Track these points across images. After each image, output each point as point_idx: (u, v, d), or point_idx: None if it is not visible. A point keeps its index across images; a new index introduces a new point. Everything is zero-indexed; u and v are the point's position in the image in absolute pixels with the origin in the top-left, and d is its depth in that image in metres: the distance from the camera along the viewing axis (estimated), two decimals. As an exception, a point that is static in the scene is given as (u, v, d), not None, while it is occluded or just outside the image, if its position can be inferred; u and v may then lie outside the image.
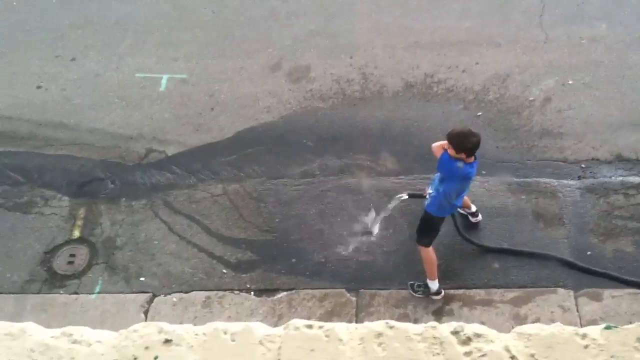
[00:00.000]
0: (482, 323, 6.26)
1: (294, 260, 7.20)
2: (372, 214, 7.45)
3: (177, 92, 9.04)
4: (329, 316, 6.65)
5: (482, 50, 9.14)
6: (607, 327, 2.78)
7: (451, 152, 5.90)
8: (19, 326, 3.19)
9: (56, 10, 10.29)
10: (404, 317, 6.55)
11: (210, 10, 10.18)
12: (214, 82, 9.13)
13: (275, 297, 6.91)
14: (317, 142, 8.36)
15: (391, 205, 7.15)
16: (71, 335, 3.21)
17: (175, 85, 9.12)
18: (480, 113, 8.36)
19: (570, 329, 2.80)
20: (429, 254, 6.54)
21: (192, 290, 7.02)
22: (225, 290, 7.01)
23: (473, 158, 5.94)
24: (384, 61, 9.20)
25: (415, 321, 6.47)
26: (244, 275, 7.12)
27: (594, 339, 2.72)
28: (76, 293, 7.03)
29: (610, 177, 7.59)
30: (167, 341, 3.08)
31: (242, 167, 8.13)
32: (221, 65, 9.37)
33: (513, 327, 3.17)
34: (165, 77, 9.23)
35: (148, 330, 3.19)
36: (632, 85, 8.50)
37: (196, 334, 3.09)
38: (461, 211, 7.14)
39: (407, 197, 6.84)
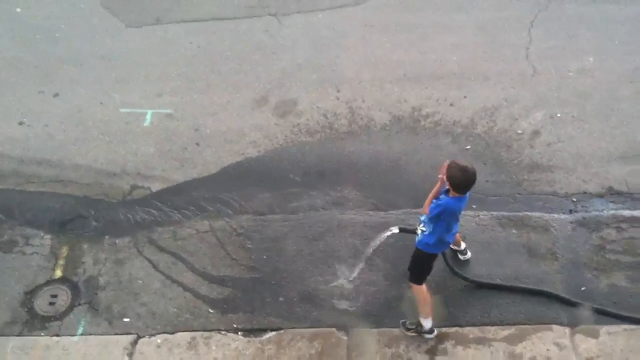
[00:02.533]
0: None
1: (281, 298, 7.03)
2: (363, 249, 7.32)
3: (162, 127, 8.93)
4: (319, 357, 6.47)
5: (470, 84, 9.12)
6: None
7: (440, 187, 5.87)
8: None
9: (42, 45, 10.19)
10: (396, 357, 6.39)
11: (196, 45, 10.13)
12: (199, 117, 9.03)
13: (264, 338, 6.72)
14: (304, 177, 8.26)
15: (382, 239, 7.03)
16: None
17: (160, 120, 9.01)
18: (469, 147, 8.30)
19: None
20: (422, 291, 6.40)
21: (178, 331, 6.81)
22: (211, 330, 6.81)
23: (463, 194, 5.84)
24: (371, 95, 9.16)
25: (408, 361, 6.32)
26: (230, 314, 6.93)
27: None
28: (58, 335, 6.80)
29: (602, 211, 7.52)
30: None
31: (228, 203, 7.99)
32: (207, 99, 9.28)
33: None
34: (150, 112, 9.12)
35: None
36: (621, 117, 8.49)
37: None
38: (452, 247, 7.01)
39: (397, 231, 6.73)
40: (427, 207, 5.98)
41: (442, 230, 6.05)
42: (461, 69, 9.37)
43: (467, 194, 5.90)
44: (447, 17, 10.19)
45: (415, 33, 9.97)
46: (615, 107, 8.62)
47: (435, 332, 6.49)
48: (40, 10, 10.91)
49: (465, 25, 10.03)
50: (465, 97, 8.97)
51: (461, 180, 5.70)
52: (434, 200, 5.96)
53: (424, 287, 6.38)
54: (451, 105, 8.87)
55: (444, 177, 5.80)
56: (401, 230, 6.72)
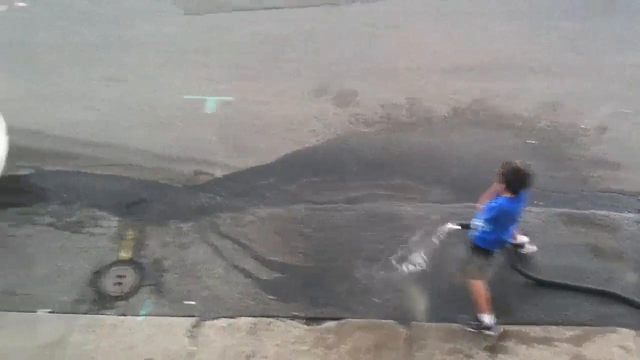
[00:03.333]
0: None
1: (341, 288, 7.08)
2: (422, 242, 7.32)
3: (224, 114, 9.06)
4: (378, 348, 6.51)
5: (534, 76, 9.03)
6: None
7: (499, 187, 5.87)
8: None
9: (108, 32, 10.39)
10: (456, 352, 6.38)
11: (257, 33, 10.23)
12: (259, 105, 9.13)
13: (323, 326, 6.77)
14: (362, 167, 8.30)
15: (441, 234, 7.03)
16: None
17: (221, 108, 9.14)
18: (532, 141, 8.21)
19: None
20: (478, 286, 6.39)
21: (239, 316, 6.91)
22: (272, 317, 6.90)
23: (517, 194, 5.86)
24: (431, 86, 9.13)
25: (469, 357, 6.31)
26: (291, 302, 7.00)
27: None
28: (124, 314, 6.96)
29: (671, 211, 7.38)
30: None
31: (287, 191, 8.07)
32: (267, 88, 9.38)
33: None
34: (212, 99, 9.24)
35: None
36: (690, 114, 8.31)
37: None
38: (512, 242, 6.97)
39: (458, 227, 6.72)
40: (480, 204, 5.97)
41: (498, 230, 6.06)
42: (525, 60, 9.27)
43: (524, 195, 5.86)
44: (508, 6, 10.06)
45: (477, 22, 9.89)
46: (684, 104, 8.45)
47: (496, 328, 6.46)
48: (105, -4, 11.15)
49: (529, 15, 9.87)
50: (528, 90, 8.86)
51: (514, 181, 5.74)
52: (488, 202, 5.96)
53: (480, 282, 6.37)
54: (513, 97, 8.78)
55: (502, 180, 5.83)
56: (462, 226, 6.72)
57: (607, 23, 9.41)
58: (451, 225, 6.75)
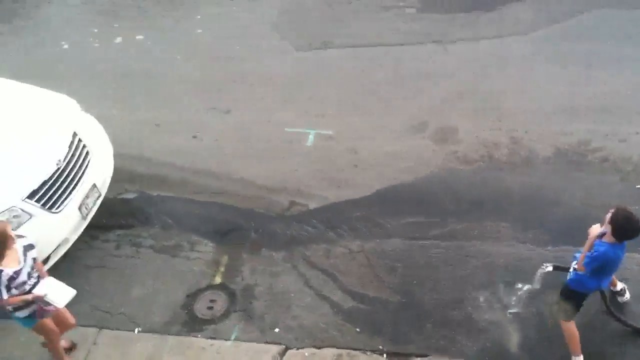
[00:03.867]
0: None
1: (428, 325, 6.99)
2: (517, 285, 7.12)
3: (322, 147, 9.21)
4: (463, 389, 6.36)
5: (644, 120, 8.65)
6: None
7: (607, 233, 5.65)
8: None
9: (217, 65, 10.87)
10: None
11: (360, 69, 10.39)
12: (358, 139, 9.22)
13: (409, 363, 6.71)
14: (459, 205, 8.20)
15: (536, 277, 6.83)
16: None
17: (321, 141, 9.29)
18: (639, 186, 7.84)
19: None
20: (570, 327, 6.19)
21: (325, 347, 6.95)
22: (356, 349, 6.89)
23: (621, 241, 5.64)
24: (534, 126, 8.94)
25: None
26: (376, 336, 6.97)
27: None
28: (213, 338, 7.16)
29: None
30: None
31: (381, 225, 8.08)
32: (366, 123, 9.47)
33: None
34: (312, 132, 9.44)
35: None
36: None
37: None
38: (612, 288, 6.67)
39: (551, 268, 6.51)
40: (581, 264, 5.80)
41: (598, 277, 5.89)
42: (633, 103, 8.90)
43: (625, 244, 5.63)
44: (616, 48, 9.74)
45: (583, 64, 9.62)
46: None
47: None
48: (218, 31, 11.69)
49: (637, 56, 9.52)
50: (637, 133, 8.51)
51: (625, 229, 5.53)
52: (588, 254, 5.76)
53: (572, 323, 6.16)
54: (621, 141, 8.45)
55: (607, 223, 5.60)
56: (555, 268, 6.51)
57: None
58: (546, 268, 6.56)
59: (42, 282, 6.05)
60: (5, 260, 5.79)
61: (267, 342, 7.06)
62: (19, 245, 5.95)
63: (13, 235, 5.87)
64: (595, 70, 9.50)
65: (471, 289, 7.25)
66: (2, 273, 5.75)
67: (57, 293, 6.03)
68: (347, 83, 10.19)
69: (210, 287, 7.63)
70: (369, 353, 6.84)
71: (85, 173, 7.65)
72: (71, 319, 6.52)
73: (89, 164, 7.76)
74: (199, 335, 7.17)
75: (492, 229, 7.86)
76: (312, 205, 8.47)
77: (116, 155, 8.38)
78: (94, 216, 7.82)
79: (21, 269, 5.89)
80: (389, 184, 8.59)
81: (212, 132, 9.65)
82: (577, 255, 5.99)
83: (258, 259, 7.88)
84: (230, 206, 8.55)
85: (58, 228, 7.25)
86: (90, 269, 7.15)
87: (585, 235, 5.89)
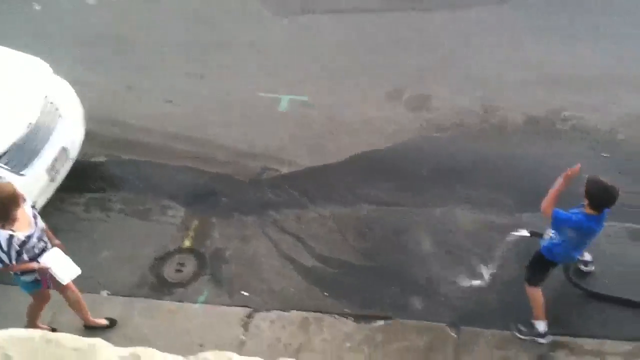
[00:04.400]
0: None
1: (395, 289, 7.05)
2: (487, 250, 7.17)
3: (298, 113, 9.18)
4: (426, 350, 6.44)
5: (620, 91, 8.66)
6: None
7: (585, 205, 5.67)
8: (88, 342, 3.24)
9: (194, 29, 10.75)
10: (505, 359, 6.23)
11: (338, 36, 10.31)
12: (334, 106, 9.19)
13: (374, 325, 6.76)
14: (432, 172, 8.22)
15: (508, 240, 6.88)
16: (139, 357, 3.21)
17: (296, 107, 9.26)
18: (606, 154, 7.87)
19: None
20: (536, 292, 6.25)
21: (292, 309, 7.01)
22: (324, 312, 6.94)
23: (599, 212, 5.63)
24: (509, 95, 8.93)
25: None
26: (343, 299, 7.03)
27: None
28: (181, 301, 7.19)
29: None
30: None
31: (353, 191, 8.10)
32: (343, 89, 9.43)
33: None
34: (287, 98, 9.39)
35: (217, 358, 3.15)
36: None
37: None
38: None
39: (527, 234, 6.58)
40: (548, 207, 5.73)
41: (570, 246, 5.94)
42: (611, 74, 8.90)
43: (604, 216, 5.64)
44: (596, 20, 9.71)
45: (561, 35, 9.58)
46: None
47: (548, 337, 6.27)
48: (196, -3, 11.56)
49: (615, 28, 9.50)
50: (612, 103, 8.52)
51: (603, 199, 5.55)
52: (570, 212, 5.75)
53: (538, 289, 6.22)
54: (593, 110, 8.47)
55: (585, 195, 5.63)
56: (532, 234, 6.57)
57: None
58: (521, 232, 6.61)
59: (49, 252, 5.95)
60: (17, 224, 5.65)
61: (235, 305, 7.11)
62: (27, 207, 5.86)
63: (24, 195, 5.75)
64: (572, 40, 9.47)
65: (441, 254, 7.31)
66: (14, 238, 5.62)
67: (62, 268, 5.95)
68: (325, 49, 10.12)
69: (180, 250, 7.65)
70: (335, 316, 6.89)
71: (55, 136, 7.61)
72: (76, 292, 6.48)
73: (60, 127, 7.71)
74: (168, 299, 7.21)
75: (464, 196, 7.89)
76: (285, 170, 8.47)
77: (88, 119, 8.31)
78: (64, 180, 7.79)
79: (32, 233, 5.79)
80: (363, 151, 8.59)
81: (186, 97, 9.59)
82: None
83: (228, 224, 7.89)
84: (202, 171, 8.54)
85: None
86: (60, 232, 7.07)
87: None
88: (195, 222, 7.92)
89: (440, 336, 6.54)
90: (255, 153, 8.69)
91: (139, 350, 3.25)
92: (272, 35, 10.53)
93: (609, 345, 6.21)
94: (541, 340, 6.30)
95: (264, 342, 6.74)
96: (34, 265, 5.84)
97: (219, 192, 8.26)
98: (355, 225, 7.73)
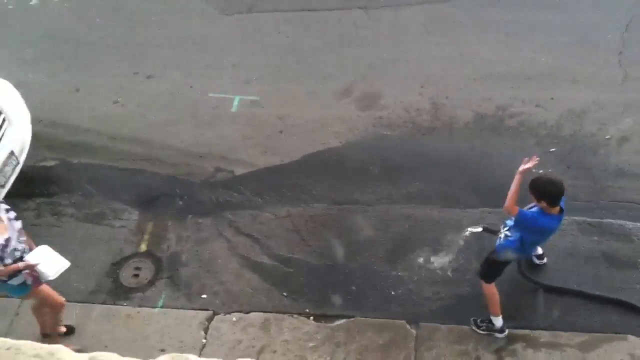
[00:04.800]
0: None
1: (354, 287, 7.14)
2: (441, 247, 7.34)
3: (248, 113, 9.17)
4: (387, 347, 6.55)
5: (559, 86, 8.96)
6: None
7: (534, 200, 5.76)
8: (48, 349, 3.20)
9: (139, 29, 10.60)
10: (464, 354, 6.40)
11: (285, 35, 10.33)
12: (284, 105, 9.22)
13: (334, 324, 6.85)
14: (383, 170, 8.33)
15: (463, 236, 7.05)
16: None
17: (246, 107, 9.25)
18: (553, 149, 8.17)
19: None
20: (491, 289, 6.39)
21: (252, 311, 7.03)
22: (284, 313, 6.99)
23: (558, 210, 5.75)
24: (456, 92, 9.13)
25: (476, 359, 6.33)
26: (303, 299, 7.09)
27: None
28: (139, 306, 7.12)
29: (689, 223, 7.28)
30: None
31: (307, 191, 8.15)
32: (293, 88, 9.47)
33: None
34: (237, 98, 9.38)
35: None
36: None
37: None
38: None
39: (480, 230, 6.74)
40: (512, 206, 5.82)
41: (527, 244, 6.05)
42: (550, 70, 9.21)
43: (562, 216, 5.82)
44: (537, 16, 10.02)
45: (504, 31, 9.85)
46: None
47: (506, 332, 6.47)
48: (139, -6, 11.38)
49: (557, 25, 9.84)
50: (552, 98, 8.82)
51: (555, 191, 5.61)
52: (531, 212, 5.82)
53: (493, 285, 6.37)
54: (537, 106, 8.75)
55: (539, 198, 5.69)
56: (485, 230, 6.73)
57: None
58: (475, 229, 6.78)
59: (36, 249, 5.80)
60: None
61: (194, 309, 7.09)
62: (1, 211, 5.69)
63: None
64: (513, 37, 9.75)
65: (395, 251, 7.42)
66: None
67: (50, 263, 5.80)
68: (273, 48, 10.13)
69: (136, 255, 7.57)
70: (295, 316, 6.95)
71: (2, 141, 7.42)
72: (59, 298, 6.34)
73: (6, 131, 7.52)
74: (125, 304, 7.14)
75: (416, 193, 8.03)
76: (238, 171, 8.46)
77: (35, 122, 8.14)
78: (13, 184, 7.60)
79: (10, 236, 5.64)
80: (315, 150, 8.64)
81: (134, 97, 9.47)
82: (508, 222, 6.14)
83: (184, 226, 7.85)
84: (154, 173, 8.46)
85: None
86: (10, 238, 6.93)
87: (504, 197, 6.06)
88: (150, 226, 7.85)
89: (401, 333, 6.67)
90: (207, 154, 8.65)
91: (99, 355, 3.23)
92: (219, 34, 10.48)
93: (564, 336, 6.44)
94: (499, 335, 6.47)
95: (225, 345, 6.74)
96: (20, 265, 5.70)
97: (173, 194, 8.21)
98: (311, 224, 7.79)
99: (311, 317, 6.93)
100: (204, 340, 6.79)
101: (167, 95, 9.49)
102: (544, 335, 6.47)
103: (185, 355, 3.25)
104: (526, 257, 6.51)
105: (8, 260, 5.64)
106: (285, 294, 7.17)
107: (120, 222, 7.87)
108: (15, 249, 5.71)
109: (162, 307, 7.11)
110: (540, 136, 8.38)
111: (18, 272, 5.77)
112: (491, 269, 6.34)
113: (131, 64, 9.99)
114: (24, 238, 5.89)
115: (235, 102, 9.31)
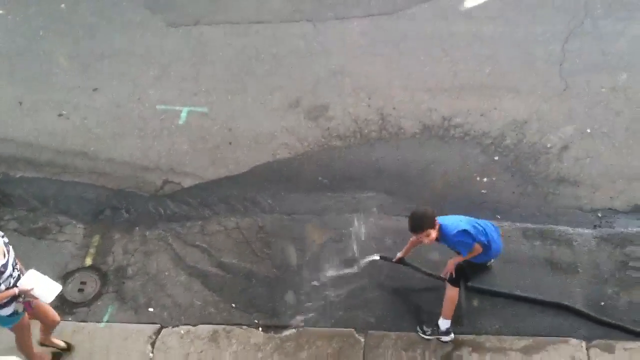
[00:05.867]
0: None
1: (303, 297, 7.16)
2: (388, 252, 7.40)
3: (197, 125, 9.13)
4: (337, 356, 6.58)
5: (502, 96, 9.14)
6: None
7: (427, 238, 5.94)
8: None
9: (84, 41, 10.48)
10: (412, 360, 6.47)
11: (233, 47, 10.32)
12: (233, 117, 9.21)
13: (283, 334, 6.86)
14: (332, 181, 8.38)
15: (362, 263, 7.37)
16: None
17: (194, 119, 9.21)
18: (496, 158, 8.34)
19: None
20: (455, 293, 6.44)
21: (200, 324, 6.99)
22: (233, 324, 6.97)
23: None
24: (402, 103, 9.24)
25: (425, 366, 6.41)
26: (252, 310, 7.09)
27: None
28: (84, 321, 7.02)
29: (627, 228, 7.49)
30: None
31: (256, 202, 8.15)
32: (241, 100, 9.46)
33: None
34: (185, 110, 9.33)
35: None
36: (651, 136, 8.45)
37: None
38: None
39: (378, 258, 7.15)
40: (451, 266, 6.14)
41: (488, 246, 6.20)
42: (493, 81, 9.39)
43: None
44: (480, 29, 10.22)
45: (448, 43, 10.02)
46: (646, 124, 8.59)
47: (452, 334, 6.56)
48: (83, 7, 11.21)
49: (499, 37, 10.05)
50: (495, 108, 9.00)
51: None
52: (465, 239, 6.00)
53: (456, 290, 6.41)
54: (481, 116, 8.91)
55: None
56: (382, 258, 7.13)
57: (590, 45, 9.58)
58: (371, 257, 7.25)
59: (27, 274, 5.66)
60: None
61: (141, 322, 7.02)
62: None
63: None
64: (457, 49, 9.91)
65: (344, 261, 7.47)
66: None
67: (44, 287, 5.68)
68: (221, 60, 10.11)
69: (81, 269, 7.49)
70: (244, 327, 6.94)
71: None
72: (56, 316, 6.25)
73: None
74: (70, 319, 7.05)
75: (364, 203, 8.09)
76: (187, 183, 8.42)
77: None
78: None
79: (7, 262, 5.49)
80: (265, 161, 8.65)
81: (79, 110, 9.35)
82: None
83: (130, 239, 7.77)
84: (100, 186, 8.37)
85: None
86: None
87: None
88: (96, 239, 7.75)
89: (349, 341, 6.71)
90: (155, 167, 8.59)
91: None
92: (167, 46, 10.41)
93: (509, 340, 6.57)
94: (445, 339, 6.57)
95: (173, 359, 6.68)
96: (15, 290, 5.57)
97: (119, 207, 8.12)
98: (261, 234, 7.79)
99: (260, 328, 6.92)
100: (151, 355, 6.74)
101: (114, 107, 9.39)
102: (490, 340, 6.58)
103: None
104: (489, 260, 6.64)
105: (2, 287, 5.50)
106: (234, 305, 7.16)
107: (65, 236, 7.76)
108: (10, 275, 5.57)
109: (107, 321, 7.02)
110: (485, 145, 8.54)
111: (14, 298, 5.65)
112: (466, 272, 6.41)
113: (76, 77, 9.86)
114: (19, 266, 5.77)
115: (184, 114, 9.27)
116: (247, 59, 10.12)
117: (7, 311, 5.77)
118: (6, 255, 5.56)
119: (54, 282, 5.83)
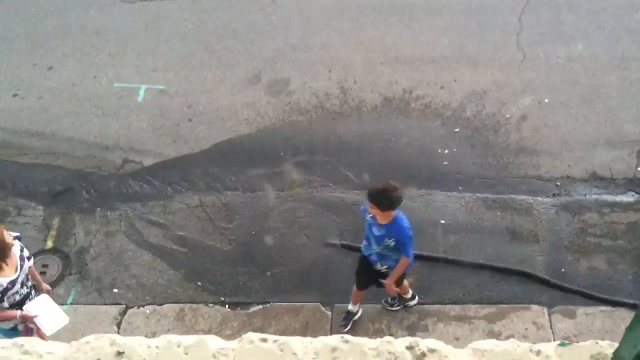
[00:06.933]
0: (457, 339, 6.32)
1: (268, 273, 7.18)
2: (347, 228, 7.44)
3: (155, 102, 9.01)
4: (304, 330, 6.62)
5: (461, 68, 9.21)
6: (562, 344, 2.77)
7: (376, 212, 5.55)
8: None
9: (36, 19, 10.22)
10: (379, 332, 6.55)
11: (191, 22, 10.17)
12: (192, 94, 9.11)
13: (250, 311, 6.88)
14: (294, 155, 8.37)
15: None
16: (22, 346, 3.11)
17: (153, 96, 9.09)
18: (457, 129, 8.42)
19: (525, 345, 2.80)
20: (405, 284, 6.45)
21: (166, 303, 6.96)
22: (199, 302, 6.96)
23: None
24: (363, 76, 9.24)
25: (391, 336, 6.45)
26: (218, 287, 7.08)
27: (547, 356, 2.73)
28: (48, 304, 6.91)
29: (585, 195, 7.67)
30: (119, 353, 3.00)
31: (219, 179, 8.11)
32: (200, 77, 9.35)
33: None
34: (143, 87, 9.19)
35: (100, 343, 3.10)
36: (607, 104, 8.61)
37: (149, 347, 3.02)
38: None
39: (339, 244, 7.27)
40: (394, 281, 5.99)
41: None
42: (452, 52, 9.45)
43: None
44: (438, 0, 10.24)
45: (407, 15, 10.02)
46: (601, 94, 8.74)
47: (416, 298, 6.66)
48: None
49: (457, 8, 10.09)
50: (455, 80, 9.06)
51: (396, 199, 5.54)
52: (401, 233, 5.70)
53: (405, 282, 6.42)
54: (441, 88, 8.97)
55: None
56: (343, 246, 7.22)
57: (547, 15, 9.67)
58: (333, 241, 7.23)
59: (37, 299, 5.44)
60: (3, 271, 5.17)
61: (106, 304, 6.96)
62: (15, 249, 5.32)
63: (11, 241, 5.19)
64: (416, 21, 9.93)
65: (308, 235, 7.50)
66: None
67: (49, 318, 5.44)
68: (178, 37, 9.96)
69: (42, 252, 7.36)
70: (210, 305, 6.93)
71: None
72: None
73: None
74: (33, 303, 6.90)
75: (327, 177, 8.11)
76: (147, 162, 8.32)
77: None
78: None
79: (17, 278, 5.27)
80: (226, 137, 8.60)
81: (34, 89, 9.14)
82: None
83: (92, 220, 7.67)
84: (59, 167, 8.22)
85: None
86: None
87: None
88: (56, 221, 7.64)
89: (316, 315, 6.76)
90: (114, 146, 8.47)
91: (22, 339, 3.16)
92: (122, 23, 10.21)
93: (472, 309, 6.71)
94: (411, 303, 6.66)
95: (140, 338, 6.64)
96: (16, 313, 5.35)
97: (79, 188, 8.00)
98: (223, 212, 7.77)
99: (227, 305, 6.92)
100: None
101: (70, 86, 9.20)
102: (454, 309, 6.71)
103: (108, 334, 3.20)
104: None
105: (5, 304, 5.31)
106: (199, 283, 7.14)
107: (24, 218, 7.62)
108: (17, 292, 5.37)
109: (71, 304, 6.94)
110: (445, 117, 8.61)
111: (12, 319, 5.46)
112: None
113: (30, 55, 9.62)
114: (29, 283, 5.57)
115: (142, 92, 9.13)
116: (205, 35, 9.99)
117: (7, 325, 5.58)
118: (18, 270, 5.36)
119: (62, 314, 5.59)
